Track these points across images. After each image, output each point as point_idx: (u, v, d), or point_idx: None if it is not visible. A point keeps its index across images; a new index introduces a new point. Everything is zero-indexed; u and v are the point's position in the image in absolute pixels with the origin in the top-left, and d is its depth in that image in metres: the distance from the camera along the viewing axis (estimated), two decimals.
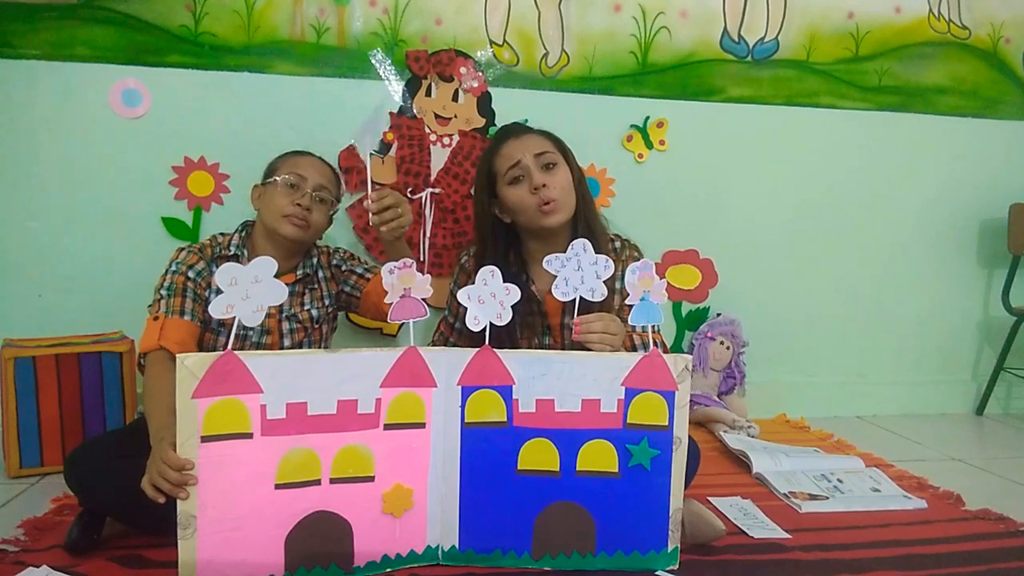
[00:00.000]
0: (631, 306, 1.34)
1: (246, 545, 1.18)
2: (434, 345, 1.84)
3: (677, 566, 1.32)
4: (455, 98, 2.26)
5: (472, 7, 2.26)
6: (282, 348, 1.66)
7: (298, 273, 1.69)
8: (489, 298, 1.30)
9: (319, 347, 1.75)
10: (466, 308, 1.31)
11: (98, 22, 2.06)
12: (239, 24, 2.13)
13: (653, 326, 1.34)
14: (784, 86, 2.47)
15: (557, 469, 1.30)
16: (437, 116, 2.25)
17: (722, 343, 2.45)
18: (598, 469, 1.30)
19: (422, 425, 1.29)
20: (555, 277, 1.44)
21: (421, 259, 2.23)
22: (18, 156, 2.06)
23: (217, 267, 1.56)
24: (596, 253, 1.51)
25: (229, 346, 1.16)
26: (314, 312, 1.71)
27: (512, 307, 1.31)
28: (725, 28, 2.42)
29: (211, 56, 2.12)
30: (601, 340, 1.36)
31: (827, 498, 1.71)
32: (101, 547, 1.35)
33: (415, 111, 2.24)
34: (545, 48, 2.32)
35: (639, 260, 1.60)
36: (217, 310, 1.14)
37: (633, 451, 1.29)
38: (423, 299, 1.31)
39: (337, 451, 1.24)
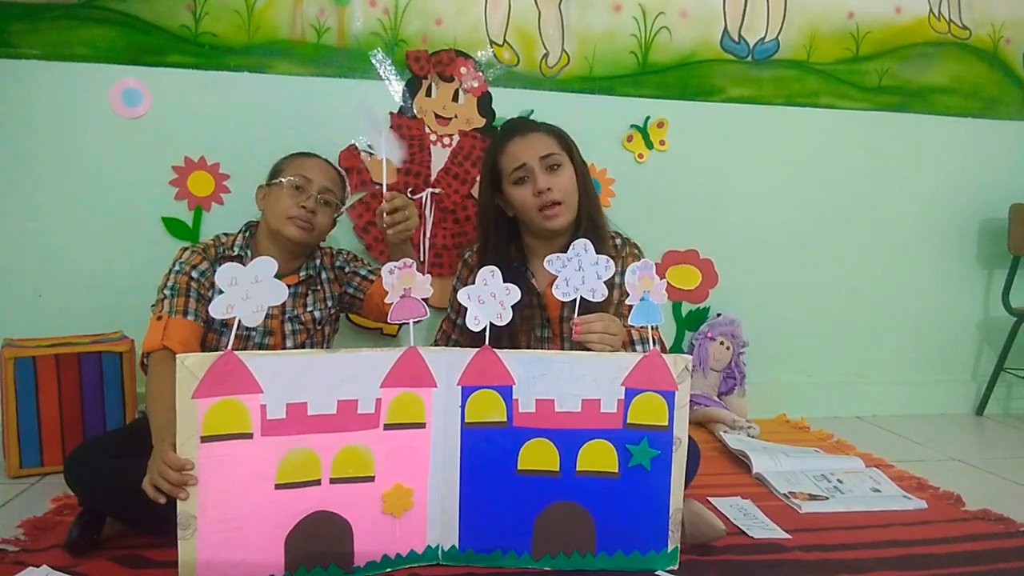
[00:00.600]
0: (631, 304, 1.34)
1: (246, 545, 1.18)
2: (437, 342, 1.84)
3: (677, 566, 1.32)
4: (455, 98, 2.26)
5: (472, 7, 2.26)
6: (284, 349, 1.66)
7: (301, 274, 1.69)
8: (489, 298, 1.30)
9: (321, 348, 1.75)
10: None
11: (98, 22, 2.06)
12: (239, 24, 2.13)
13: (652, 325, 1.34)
14: (784, 86, 2.47)
15: (557, 469, 1.30)
16: (437, 116, 2.25)
17: (722, 343, 2.45)
18: (598, 469, 1.30)
19: (422, 425, 1.29)
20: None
21: (421, 259, 2.23)
22: (18, 156, 2.06)
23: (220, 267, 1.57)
24: (603, 245, 1.56)
25: (230, 346, 1.16)
26: (317, 314, 1.71)
27: None
28: (725, 28, 2.42)
29: (211, 56, 2.12)
30: (601, 340, 1.37)
31: (827, 498, 1.71)
32: (101, 547, 1.35)
33: (415, 111, 2.24)
34: (545, 48, 2.32)
35: (639, 257, 1.63)
36: (217, 310, 1.14)
37: (633, 451, 1.29)
38: (423, 299, 1.31)
39: (337, 451, 1.24)
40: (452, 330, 1.79)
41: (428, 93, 2.24)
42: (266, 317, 1.19)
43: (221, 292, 1.15)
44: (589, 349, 1.37)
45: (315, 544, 1.23)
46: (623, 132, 2.38)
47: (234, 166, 2.14)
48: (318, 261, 1.73)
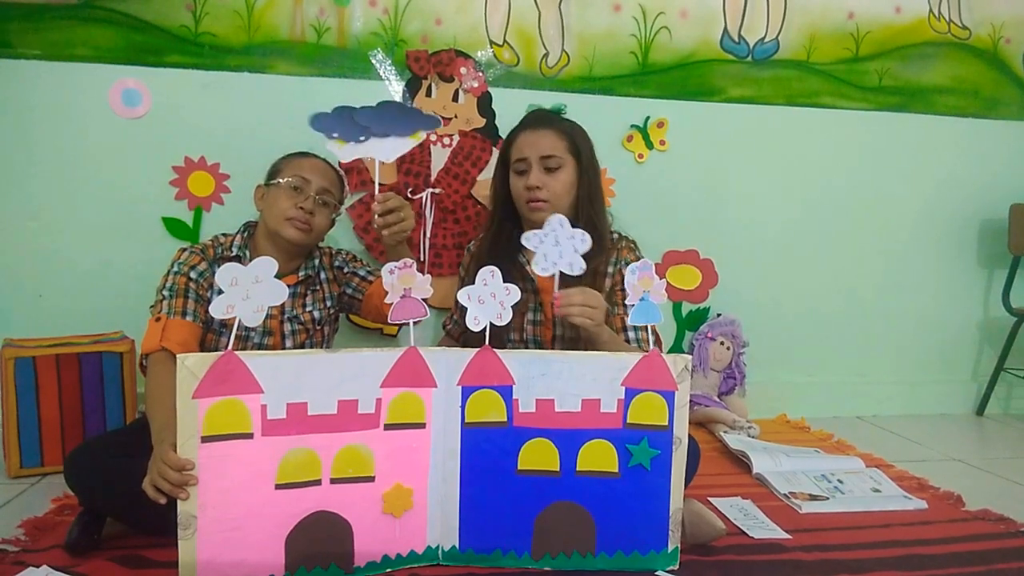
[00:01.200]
0: (623, 291, 1.39)
1: (246, 545, 1.18)
2: (446, 331, 1.85)
3: (677, 566, 1.32)
4: (455, 98, 2.26)
5: (472, 7, 2.26)
6: (284, 349, 1.66)
7: (300, 274, 1.69)
8: (489, 298, 1.30)
9: (320, 348, 1.75)
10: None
11: (98, 22, 2.06)
12: (239, 24, 2.13)
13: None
14: (784, 86, 2.47)
15: (557, 469, 1.30)
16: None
17: (722, 343, 2.45)
18: (598, 469, 1.30)
19: (422, 425, 1.29)
20: None
21: (421, 259, 2.23)
22: (18, 156, 2.06)
23: (219, 268, 1.57)
24: (602, 247, 1.59)
25: (230, 347, 1.16)
26: (316, 314, 1.71)
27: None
28: (725, 28, 2.42)
29: (211, 56, 2.12)
30: (582, 313, 1.38)
31: (827, 498, 1.71)
32: (101, 547, 1.35)
33: None
34: (545, 48, 2.32)
35: (633, 250, 1.65)
36: (218, 310, 1.14)
37: (633, 451, 1.29)
38: (423, 299, 1.31)
39: (337, 451, 1.24)
40: (461, 316, 1.79)
41: (428, 93, 2.24)
42: (265, 317, 1.19)
43: (220, 292, 1.15)
44: (572, 323, 1.38)
45: (315, 544, 1.23)
46: (623, 132, 2.38)
47: (234, 166, 2.14)
48: (317, 261, 1.73)
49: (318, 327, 1.72)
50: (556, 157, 1.62)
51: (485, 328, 1.30)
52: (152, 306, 1.57)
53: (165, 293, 1.55)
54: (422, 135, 1.42)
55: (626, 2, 2.34)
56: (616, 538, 1.31)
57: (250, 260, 1.41)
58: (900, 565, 1.40)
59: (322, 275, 1.74)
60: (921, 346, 2.69)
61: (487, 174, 2.25)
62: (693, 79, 2.41)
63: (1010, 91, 2.62)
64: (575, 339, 1.56)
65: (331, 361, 1.25)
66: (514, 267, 1.64)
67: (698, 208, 2.47)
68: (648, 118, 2.39)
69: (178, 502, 1.15)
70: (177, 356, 1.15)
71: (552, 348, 1.64)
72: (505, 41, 2.29)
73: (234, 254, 1.64)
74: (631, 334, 1.58)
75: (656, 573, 1.31)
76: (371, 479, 1.26)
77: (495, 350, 1.30)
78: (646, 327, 1.49)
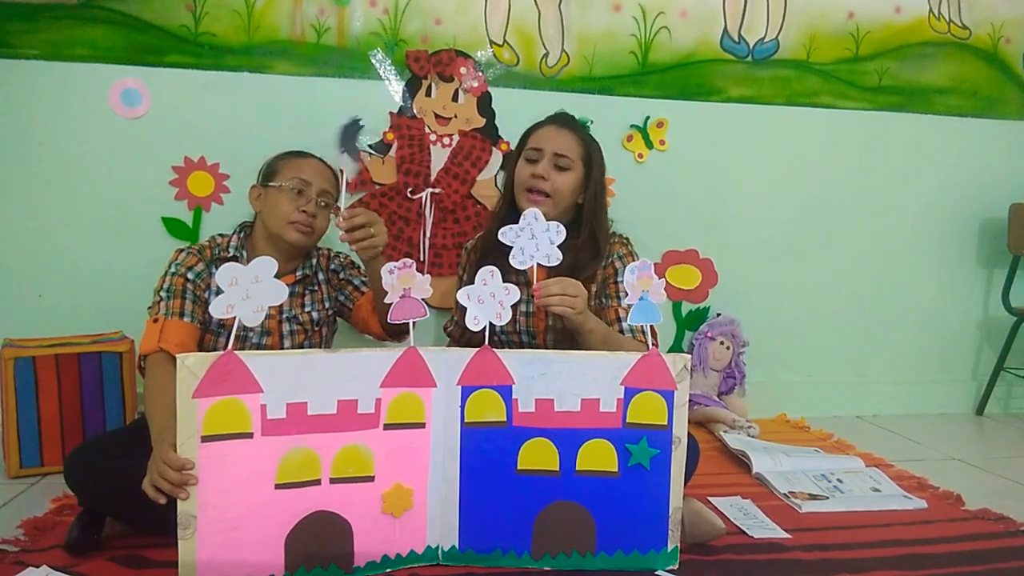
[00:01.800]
0: (615, 283, 1.43)
1: (246, 545, 1.18)
2: (447, 333, 1.85)
3: (677, 566, 1.32)
4: (455, 98, 2.26)
5: (472, 7, 2.26)
6: (282, 349, 1.66)
7: (298, 274, 1.69)
8: (489, 298, 1.30)
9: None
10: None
11: (98, 22, 2.06)
12: (239, 24, 2.13)
13: None
14: (784, 86, 2.48)
15: (557, 469, 1.30)
16: (437, 116, 2.25)
17: (722, 343, 2.45)
18: (598, 468, 1.30)
19: (422, 425, 1.29)
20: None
21: (421, 259, 2.23)
22: (18, 156, 2.06)
23: (216, 268, 1.56)
24: (596, 256, 1.63)
25: (230, 347, 1.16)
26: (315, 314, 1.70)
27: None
28: (725, 28, 2.42)
29: (211, 56, 2.12)
30: (561, 303, 1.38)
31: (827, 498, 1.71)
32: (101, 547, 1.35)
33: (415, 111, 2.24)
34: (545, 48, 2.32)
35: (625, 247, 1.65)
36: (218, 310, 1.14)
37: (633, 450, 1.29)
38: (423, 299, 1.31)
39: (337, 451, 1.24)
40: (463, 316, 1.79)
41: (428, 93, 2.24)
42: (264, 317, 1.19)
43: (218, 293, 1.15)
44: (553, 313, 1.39)
45: (315, 544, 1.23)
46: (623, 132, 2.38)
47: (234, 166, 2.14)
48: (314, 261, 1.73)
49: (316, 328, 1.72)
50: (568, 158, 1.65)
51: (485, 328, 1.30)
52: (150, 307, 1.56)
53: (162, 294, 1.55)
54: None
55: (626, 2, 2.35)
56: (616, 537, 1.31)
57: (248, 261, 1.41)
58: (900, 564, 1.40)
59: (320, 276, 1.74)
60: (921, 346, 2.69)
61: (487, 174, 2.26)
62: (693, 79, 2.41)
63: (1010, 91, 2.62)
64: (567, 328, 1.57)
65: (331, 361, 1.25)
66: (505, 258, 1.65)
67: (698, 208, 2.47)
68: (648, 118, 2.39)
69: (178, 502, 1.15)
70: (177, 356, 1.15)
71: (545, 339, 1.64)
72: (505, 41, 2.29)
73: (231, 255, 1.64)
74: (624, 325, 1.58)
75: (656, 572, 1.31)
76: (371, 479, 1.26)
77: (495, 350, 1.30)
78: None
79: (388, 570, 1.29)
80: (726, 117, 2.44)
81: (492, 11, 2.27)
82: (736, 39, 2.43)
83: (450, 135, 2.26)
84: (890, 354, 2.67)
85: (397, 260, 1.32)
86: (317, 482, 1.23)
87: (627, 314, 1.56)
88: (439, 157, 2.25)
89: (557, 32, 2.32)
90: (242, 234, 1.69)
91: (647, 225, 2.38)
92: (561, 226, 1.37)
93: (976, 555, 1.45)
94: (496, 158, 2.27)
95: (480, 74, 2.27)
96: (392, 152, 2.22)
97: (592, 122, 1.76)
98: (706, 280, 2.49)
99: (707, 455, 1.82)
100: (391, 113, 2.22)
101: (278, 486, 1.20)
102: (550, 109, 1.96)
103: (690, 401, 1.33)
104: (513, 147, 1.84)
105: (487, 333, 1.31)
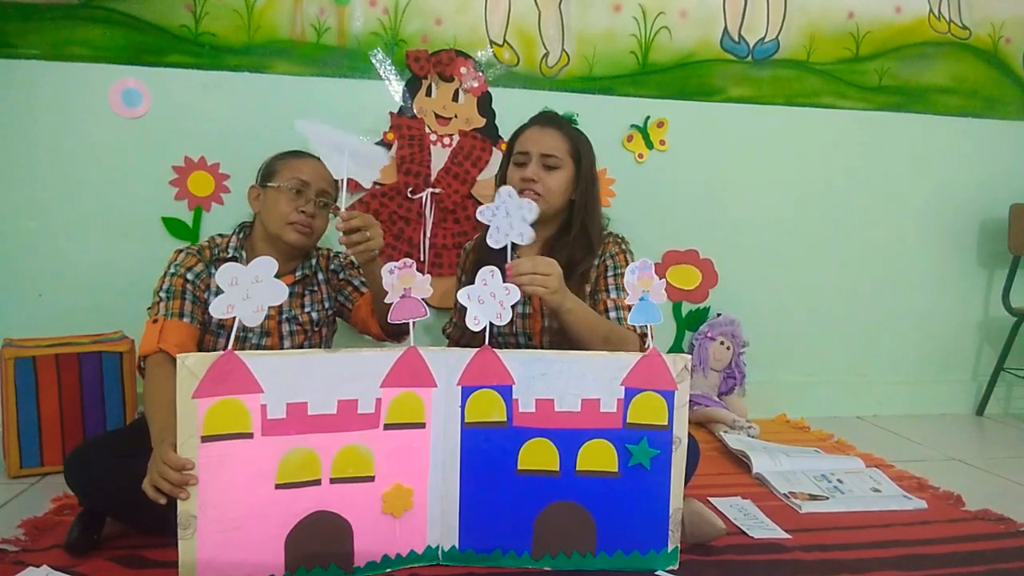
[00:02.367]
0: (606, 278, 1.44)
1: (246, 545, 1.18)
2: (446, 335, 1.84)
3: (677, 566, 1.32)
4: (455, 98, 2.26)
5: (472, 7, 2.26)
6: (282, 350, 1.66)
7: (297, 274, 1.69)
8: (489, 298, 1.30)
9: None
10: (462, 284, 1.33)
11: (98, 22, 2.06)
12: (239, 24, 2.13)
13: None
14: (784, 86, 2.47)
15: (557, 469, 1.30)
16: (437, 116, 2.25)
17: (722, 343, 2.45)
18: (598, 469, 1.30)
19: (422, 425, 1.29)
20: (539, 253, 1.60)
21: (421, 259, 2.23)
22: (18, 156, 2.06)
23: (216, 269, 1.56)
24: (590, 252, 1.63)
25: (230, 347, 1.16)
26: (314, 315, 1.70)
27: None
28: (725, 28, 2.42)
29: (211, 56, 2.12)
30: (532, 281, 1.36)
31: (827, 498, 1.71)
32: (101, 547, 1.35)
33: (415, 111, 2.24)
34: (545, 48, 2.32)
35: (619, 246, 1.65)
36: (218, 310, 1.13)
37: (633, 451, 1.29)
38: (423, 299, 1.31)
39: (337, 451, 1.24)
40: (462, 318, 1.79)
41: (428, 93, 2.24)
42: (264, 318, 1.19)
43: (218, 294, 1.14)
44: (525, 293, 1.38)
45: (315, 544, 1.23)
46: (623, 132, 2.39)
47: (234, 166, 2.14)
48: (314, 261, 1.73)
49: (316, 328, 1.72)
50: (556, 157, 1.64)
51: (485, 328, 1.30)
52: (149, 308, 1.56)
53: (162, 295, 1.55)
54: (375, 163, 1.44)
55: (626, 2, 2.34)
56: (616, 538, 1.31)
57: (247, 261, 1.41)
58: (900, 565, 1.40)
59: (319, 276, 1.74)
60: (921, 346, 2.69)
61: (487, 174, 2.25)
62: (693, 79, 2.41)
63: (1010, 91, 2.62)
64: (563, 329, 1.57)
65: (331, 361, 1.25)
66: (503, 259, 1.64)
67: (698, 208, 2.47)
68: (648, 118, 2.39)
69: (178, 502, 1.15)
70: (177, 356, 1.15)
71: (541, 340, 1.64)
72: (505, 41, 2.29)
73: (231, 255, 1.63)
74: (612, 314, 1.58)
75: (656, 573, 1.31)
76: (371, 479, 1.26)
77: (495, 350, 1.30)
78: (629, 308, 1.52)
79: (388, 570, 1.29)
80: (726, 117, 2.44)
81: (492, 11, 2.27)
82: (736, 39, 2.43)
83: (450, 135, 2.26)
84: (890, 354, 2.67)
85: (397, 260, 1.32)
86: (317, 482, 1.23)
87: (615, 304, 1.58)
88: (439, 157, 2.25)
89: (557, 32, 2.32)
90: (241, 234, 1.69)
91: (647, 225, 2.39)
92: (534, 204, 1.36)
93: (976, 555, 1.45)
94: (496, 158, 2.26)
95: (480, 74, 2.27)
96: (392, 152, 2.22)
97: (578, 115, 1.75)
98: (706, 280, 2.49)
99: (707, 455, 1.82)
100: (391, 113, 2.22)
101: (278, 486, 1.20)
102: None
103: (690, 401, 1.33)
104: None
105: (486, 336, 1.31)
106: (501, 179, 1.73)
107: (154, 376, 1.43)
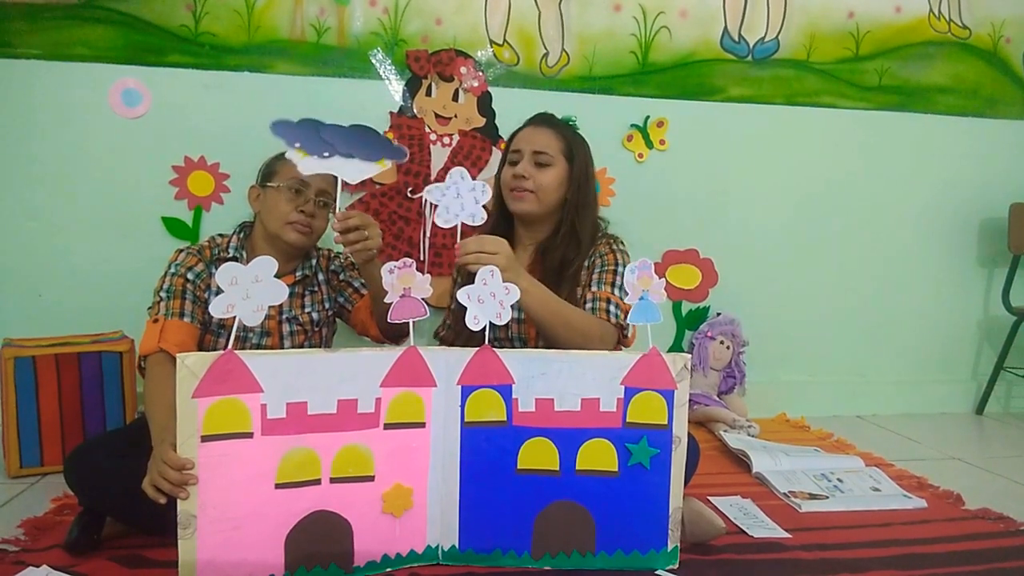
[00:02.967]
0: (591, 272, 1.44)
1: (246, 545, 1.18)
2: (439, 338, 1.84)
3: (677, 565, 1.32)
4: (455, 98, 2.26)
5: (472, 7, 2.26)
6: (282, 350, 1.66)
7: (297, 275, 1.68)
8: (489, 298, 1.30)
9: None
10: (456, 285, 1.32)
11: (98, 22, 2.06)
12: (239, 24, 2.13)
13: (617, 295, 1.39)
14: (784, 86, 2.48)
15: (557, 468, 1.30)
16: (437, 116, 2.25)
17: (722, 343, 2.45)
18: (598, 468, 1.30)
19: (422, 425, 1.29)
20: (535, 256, 1.62)
21: (421, 259, 2.23)
22: (18, 156, 2.06)
23: (216, 269, 1.56)
24: (582, 251, 1.63)
25: (230, 346, 1.16)
26: (315, 315, 1.70)
27: None
28: (725, 28, 2.42)
29: (211, 56, 2.12)
30: (477, 260, 1.34)
31: (827, 497, 1.71)
32: (101, 547, 1.35)
33: (415, 111, 2.24)
34: (545, 48, 2.32)
35: (609, 249, 1.63)
36: (218, 309, 1.13)
37: (633, 450, 1.29)
38: (423, 299, 1.31)
39: (337, 451, 1.24)
40: (456, 320, 1.78)
41: (428, 93, 2.24)
42: (264, 318, 1.19)
43: (218, 293, 1.14)
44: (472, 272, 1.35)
45: (315, 544, 1.23)
46: (623, 132, 2.39)
47: (234, 166, 2.14)
48: (314, 261, 1.73)
49: (316, 329, 1.72)
50: (548, 155, 1.64)
51: (485, 328, 1.30)
52: (149, 308, 1.56)
53: (162, 295, 1.55)
54: (388, 164, 1.39)
55: (626, 2, 2.35)
56: (616, 537, 1.31)
57: (247, 261, 1.41)
58: (900, 564, 1.40)
59: (319, 277, 1.73)
60: (921, 345, 2.69)
61: (487, 173, 2.26)
62: (693, 79, 2.41)
63: (1010, 91, 2.62)
64: None
65: (331, 361, 1.25)
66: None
67: (698, 208, 2.47)
68: (648, 118, 2.39)
69: (178, 502, 1.15)
70: (177, 355, 1.15)
71: (536, 345, 1.64)
72: (505, 41, 2.29)
73: (231, 255, 1.63)
74: (588, 305, 1.56)
75: (656, 572, 1.31)
76: (371, 479, 1.26)
77: (495, 350, 1.30)
78: (607, 299, 1.52)
79: (388, 570, 1.29)
80: (726, 117, 2.44)
81: (492, 11, 2.28)
82: (736, 39, 2.43)
83: (450, 135, 2.26)
84: (890, 354, 2.67)
85: (397, 260, 1.32)
86: (317, 482, 1.23)
87: (594, 296, 1.57)
88: (439, 157, 2.26)
89: (557, 32, 2.32)
90: (242, 234, 1.69)
91: (647, 225, 2.39)
92: (487, 186, 1.35)
93: (976, 555, 1.45)
94: (496, 157, 2.27)
95: (480, 74, 2.27)
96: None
97: (575, 119, 1.75)
98: (706, 280, 2.49)
99: (707, 455, 1.82)
100: (391, 113, 2.22)
101: (278, 486, 1.20)
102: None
103: (690, 401, 1.33)
104: None
105: (486, 336, 1.30)
106: (497, 180, 1.73)
107: (154, 376, 1.43)
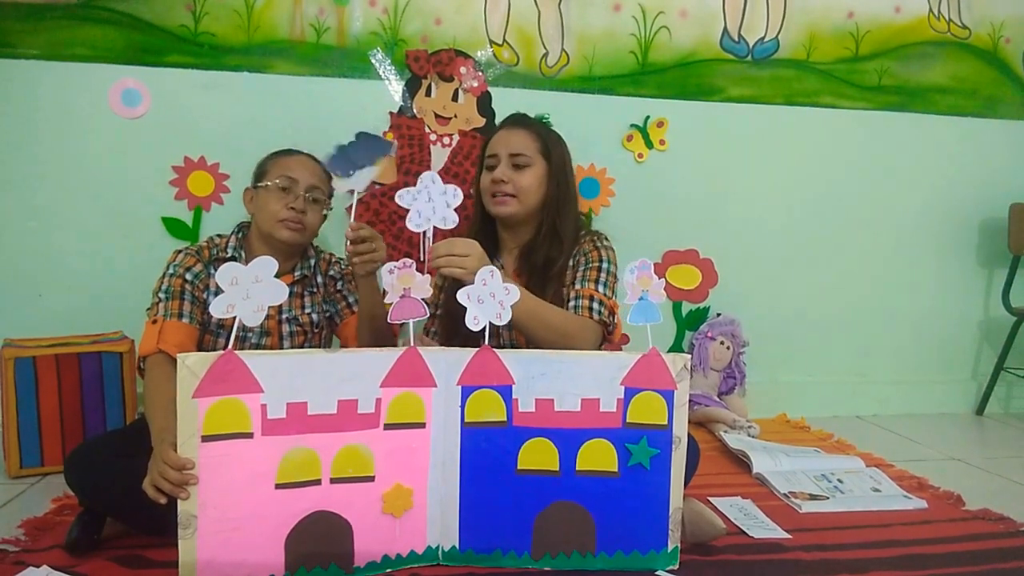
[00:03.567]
0: (575, 271, 1.45)
1: (246, 545, 1.18)
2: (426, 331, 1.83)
3: (677, 566, 1.32)
4: (455, 98, 2.26)
5: (472, 7, 2.26)
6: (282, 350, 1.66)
7: (295, 274, 1.68)
8: (488, 298, 1.30)
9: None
10: (442, 290, 1.36)
11: (98, 22, 2.06)
12: (239, 24, 2.13)
13: (600, 291, 1.39)
14: (784, 86, 2.48)
15: (557, 469, 1.30)
16: (437, 116, 2.25)
17: (722, 343, 2.45)
18: (598, 468, 1.30)
19: (422, 425, 1.29)
20: (520, 259, 1.61)
21: (421, 259, 2.22)
22: (18, 156, 2.06)
23: (215, 269, 1.56)
24: (565, 249, 1.61)
25: (230, 346, 1.16)
26: (314, 316, 1.70)
27: None
28: (725, 28, 2.42)
29: (211, 56, 2.12)
30: (449, 263, 1.36)
31: (827, 498, 1.71)
32: (101, 547, 1.35)
33: (415, 111, 2.24)
34: (545, 48, 2.32)
35: (593, 247, 1.62)
36: (218, 309, 1.14)
37: (633, 450, 1.29)
38: (423, 299, 1.31)
39: (337, 451, 1.24)
40: (431, 322, 1.77)
41: (428, 93, 2.24)
42: (263, 318, 1.19)
43: (217, 294, 1.14)
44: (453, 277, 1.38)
45: (315, 544, 1.23)
46: (623, 132, 2.39)
47: (234, 166, 2.14)
48: (312, 261, 1.72)
49: (316, 330, 1.71)
50: (525, 156, 1.63)
51: (484, 328, 1.30)
52: (148, 309, 1.56)
53: (161, 295, 1.55)
54: (384, 161, 1.45)
55: (626, 2, 2.35)
56: (616, 538, 1.31)
57: (246, 261, 1.41)
58: (900, 565, 1.40)
59: (319, 279, 1.73)
60: (921, 346, 2.69)
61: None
62: (693, 79, 2.41)
63: (1010, 91, 2.62)
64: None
65: (331, 361, 1.25)
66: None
67: (698, 208, 2.47)
68: (648, 118, 2.39)
69: (178, 502, 1.15)
70: (177, 355, 1.15)
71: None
72: (505, 41, 2.29)
73: (229, 255, 1.63)
74: (572, 303, 1.55)
75: (656, 572, 1.31)
76: (371, 479, 1.26)
77: (495, 350, 1.30)
78: (590, 296, 1.51)
79: (388, 570, 1.29)
80: (726, 117, 2.44)
81: (492, 11, 2.27)
82: (736, 39, 2.43)
83: (450, 135, 2.26)
84: (890, 354, 2.67)
85: (397, 260, 1.32)
86: (317, 482, 1.23)
87: (577, 294, 1.55)
88: (439, 157, 2.26)
89: (557, 32, 2.32)
90: (240, 234, 1.69)
91: (647, 225, 2.39)
92: (459, 190, 1.35)
93: (976, 555, 1.45)
94: None
95: (480, 74, 2.27)
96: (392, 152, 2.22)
97: (548, 116, 1.74)
98: (706, 280, 2.49)
99: (707, 455, 1.82)
100: (391, 113, 2.22)
101: (278, 486, 1.20)
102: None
103: (690, 401, 1.33)
104: None
105: (486, 336, 1.30)
106: (478, 190, 1.70)
107: (154, 376, 1.43)
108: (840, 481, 1.82)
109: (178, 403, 1.14)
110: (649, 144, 2.40)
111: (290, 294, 1.66)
